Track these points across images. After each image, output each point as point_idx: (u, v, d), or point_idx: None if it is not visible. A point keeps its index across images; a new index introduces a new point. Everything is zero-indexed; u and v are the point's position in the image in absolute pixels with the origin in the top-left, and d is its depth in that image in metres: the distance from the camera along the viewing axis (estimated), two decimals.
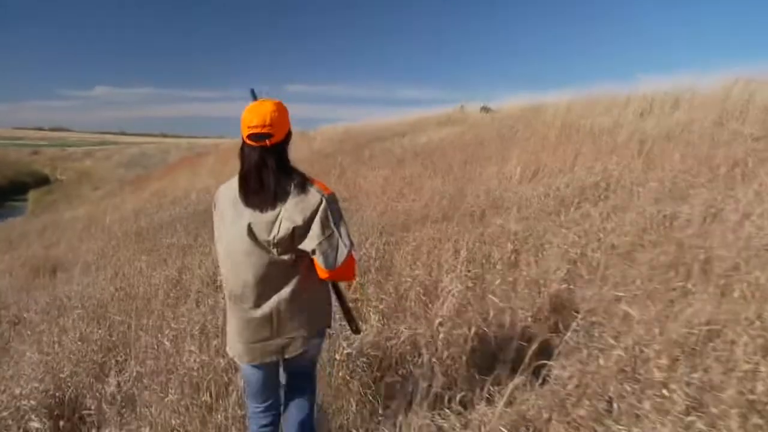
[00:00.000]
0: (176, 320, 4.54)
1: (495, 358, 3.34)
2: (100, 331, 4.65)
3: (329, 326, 2.58)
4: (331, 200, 2.26)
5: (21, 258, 10.80)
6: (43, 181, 52.47)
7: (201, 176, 19.69)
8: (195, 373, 3.47)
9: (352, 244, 2.30)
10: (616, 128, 10.12)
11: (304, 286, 2.33)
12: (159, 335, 4.20)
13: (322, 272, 2.28)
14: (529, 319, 3.73)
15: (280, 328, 2.34)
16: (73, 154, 67.91)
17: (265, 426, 2.58)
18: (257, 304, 2.31)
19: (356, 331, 2.67)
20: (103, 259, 9.00)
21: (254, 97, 2.29)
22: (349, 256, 2.28)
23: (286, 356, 2.40)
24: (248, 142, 2.22)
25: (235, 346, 2.42)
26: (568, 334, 3.31)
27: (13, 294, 8.01)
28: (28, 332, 5.33)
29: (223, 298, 2.86)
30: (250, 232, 2.23)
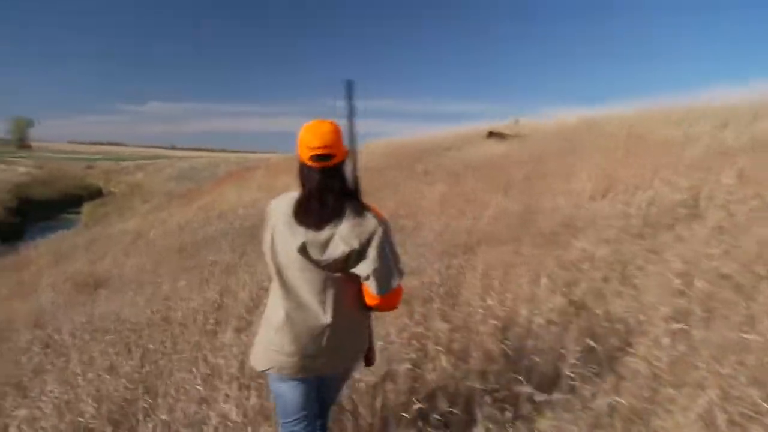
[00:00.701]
0: (213, 352, 4.03)
1: None
2: (130, 363, 4.16)
3: (369, 349, 2.53)
4: (386, 227, 2.24)
5: (66, 273, 10.55)
6: (96, 193, 53.49)
7: (249, 190, 19.39)
8: (230, 424, 2.92)
9: (402, 273, 2.29)
10: (689, 141, 9.32)
11: (352, 307, 2.32)
12: (193, 369, 3.68)
13: (372, 298, 2.26)
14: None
15: (330, 346, 2.31)
16: (126, 167, 69.26)
17: None
18: (307, 319, 2.28)
19: (369, 364, 2.59)
20: (144, 275, 8.64)
21: (350, 90, 2.26)
22: (399, 285, 2.28)
23: (329, 373, 2.43)
24: (309, 163, 2.17)
25: (273, 357, 2.33)
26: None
27: (53, 311, 7.69)
28: (53, 362, 4.89)
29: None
30: (304, 251, 2.20)
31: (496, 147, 15.76)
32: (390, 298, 2.27)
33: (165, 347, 4.34)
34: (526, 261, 4.73)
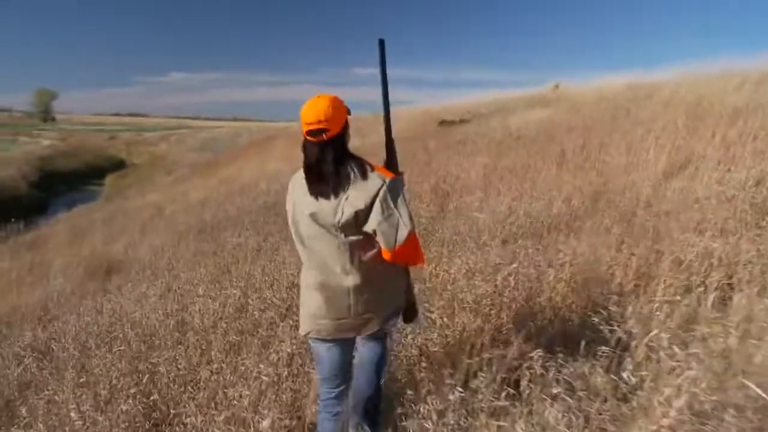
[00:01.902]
0: (236, 377, 3.23)
1: None
2: (135, 389, 3.36)
3: (402, 307, 2.62)
4: (393, 184, 2.29)
5: (79, 255, 9.84)
6: (119, 165, 53.37)
7: (270, 161, 18.62)
8: None
9: (413, 224, 2.31)
10: (759, 107, 8.25)
11: (377, 267, 2.37)
12: (212, 411, 2.87)
13: (385, 253, 2.32)
14: None
15: (358, 306, 2.39)
16: (148, 138, 68.91)
17: (337, 414, 2.59)
18: (334, 283, 2.37)
19: (408, 319, 2.71)
20: (161, 259, 7.87)
21: (382, 51, 2.40)
22: (410, 236, 2.29)
23: (363, 334, 2.48)
24: (307, 137, 2.31)
25: (311, 321, 2.46)
26: None
27: (61, 303, 6.98)
28: (46, 379, 4.11)
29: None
30: (315, 219, 2.32)
31: (538, 113, 14.69)
32: (404, 251, 2.30)
33: (178, 369, 3.54)
34: (616, 255, 3.80)
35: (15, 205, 30.93)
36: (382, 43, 2.40)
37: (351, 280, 2.35)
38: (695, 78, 12.31)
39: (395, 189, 2.31)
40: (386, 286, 2.47)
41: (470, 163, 9.20)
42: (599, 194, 5.72)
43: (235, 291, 4.90)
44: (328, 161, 2.28)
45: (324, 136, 2.25)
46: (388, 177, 2.31)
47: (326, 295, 2.39)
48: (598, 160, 7.18)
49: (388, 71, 2.40)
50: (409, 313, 2.67)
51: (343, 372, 2.58)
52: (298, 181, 2.43)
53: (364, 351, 2.61)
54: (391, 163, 2.49)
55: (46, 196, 36.40)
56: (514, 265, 3.97)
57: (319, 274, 2.40)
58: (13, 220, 18.71)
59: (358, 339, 2.56)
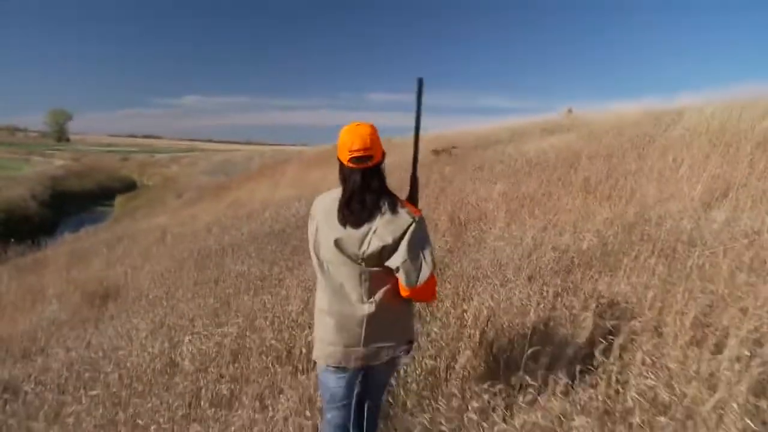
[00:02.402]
0: None
1: None
2: None
3: (413, 341, 2.60)
4: (420, 223, 2.30)
5: (78, 280, 9.43)
6: (130, 186, 53.37)
7: (280, 186, 18.21)
8: None
9: (434, 265, 2.31)
10: None
11: (392, 299, 2.37)
12: None
13: (403, 290, 2.32)
14: None
15: (370, 336, 2.37)
16: (160, 160, 69.09)
17: None
18: (349, 311, 2.35)
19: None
20: (159, 287, 7.43)
21: (420, 88, 2.40)
22: (431, 276, 2.30)
23: (372, 363, 2.44)
24: (350, 165, 2.27)
25: (324, 348, 2.43)
26: None
27: (51, 333, 6.54)
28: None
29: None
30: (339, 246, 2.30)
31: (554, 140, 14.24)
32: (422, 290, 2.31)
33: (160, 424, 3.06)
34: (668, 304, 3.29)
35: (24, 224, 30.80)
36: (420, 81, 2.40)
37: (366, 309, 2.34)
38: (720, 104, 11.83)
39: (423, 228, 2.32)
40: (399, 318, 2.46)
41: (487, 190, 8.75)
42: (633, 226, 5.22)
43: (231, 329, 4.44)
44: (372, 189, 2.28)
45: (369, 163, 2.26)
46: (417, 215, 2.30)
47: (339, 321, 2.38)
48: (626, 189, 6.68)
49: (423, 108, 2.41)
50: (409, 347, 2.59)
51: (350, 400, 2.51)
52: (325, 205, 2.42)
53: (369, 378, 2.54)
54: (413, 198, 2.50)
55: (56, 215, 36.32)
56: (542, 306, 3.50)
57: (334, 300, 2.39)
58: (13, 240, 18.46)
59: (365, 371, 2.50)
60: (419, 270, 2.27)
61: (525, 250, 5.01)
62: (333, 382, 2.47)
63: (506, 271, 4.53)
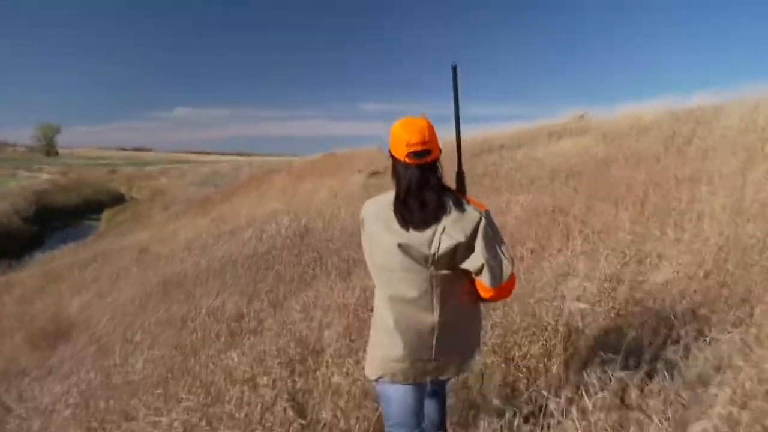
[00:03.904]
0: None
1: None
2: None
3: (479, 347, 2.47)
4: (489, 217, 2.13)
5: (29, 313, 8.13)
6: (119, 199, 52.13)
7: (268, 199, 16.95)
8: None
9: (513, 260, 2.17)
10: None
11: (462, 304, 2.20)
12: None
13: (486, 290, 2.13)
14: None
15: (441, 347, 2.18)
16: (150, 172, 67.66)
17: None
18: (417, 321, 2.16)
19: None
20: (119, 325, 6.17)
21: (455, 76, 2.16)
22: (512, 273, 2.14)
23: (443, 377, 2.32)
24: (407, 160, 2.09)
25: (383, 364, 2.22)
26: None
27: None
28: None
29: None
30: (404, 251, 2.10)
31: (567, 144, 13.05)
32: (504, 288, 2.15)
33: None
34: None
35: (6, 241, 29.56)
36: (455, 69, 2.14)
37: (436, 318, 2.14)
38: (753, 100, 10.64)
39: (493, 223, 2.14)
40: (470, 325, 2.30)
41: (503, 201, 7.54)
42: (747, 252, 3.93)
43: (194, 400, 3.18)
44: (431, 186, 2.07)
45: (428, 158, 2.07)
46: (483, 210, 2.13)
47: (407, 334, 2.15)
48: (691, 200, 5.41)
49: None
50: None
51: (416, 417, 2.31)
52: (376, 212, 2.21)
53: (437, 388, 2.48)
54: (461, 193, 2.20)
55: (41, 231, 35.19)
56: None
57: (399, 311, 2.16)
58: None
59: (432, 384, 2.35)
60: (501, 267, 2.10)
61: (605, 293, 3.67)
62: (398, 398, 2.27)
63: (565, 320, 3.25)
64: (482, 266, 2.06)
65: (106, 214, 43.37)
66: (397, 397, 2.28)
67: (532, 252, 5.12)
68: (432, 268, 2.12)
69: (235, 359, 3.71)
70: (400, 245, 2.10)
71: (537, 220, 6.09)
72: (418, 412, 2.34)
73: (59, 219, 40.60)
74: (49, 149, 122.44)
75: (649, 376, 2.47)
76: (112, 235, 25.45)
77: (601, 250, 4.52)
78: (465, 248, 2.07)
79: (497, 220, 5.94)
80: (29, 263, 19.40)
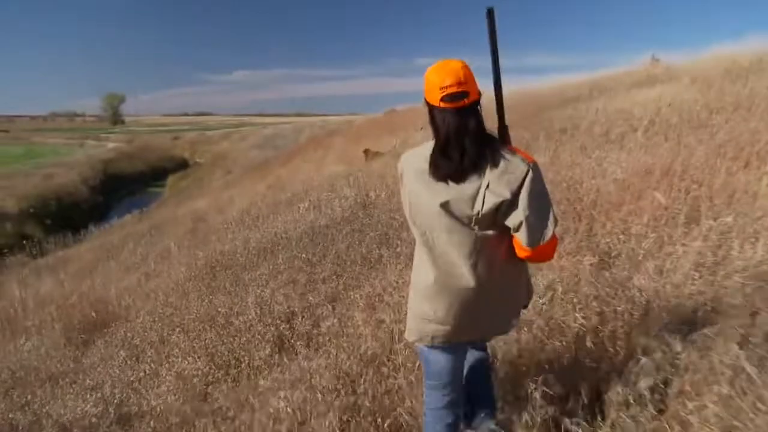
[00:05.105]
0: None
1: None
2: None
3: (526, 306, 2.35)
4: (536, 170, 1.93)
5: (74, 297, 7.57)
6: (183, 165, 52.70)
7: (327, 162, 16.11)
8: None
9: (557, 221, 1.99)
10: None
11: (506, 265, 2.05)
12: None
13: (523, 250, 1.98)
14: None
15: (485, 309, 2.09)
16: (212, 137, 68.03)
17: (450, 425, 2.28)
18: (460, 283, 2.03)
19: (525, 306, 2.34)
20: (155, 324, 5.42)
21: (491, 20, 1.96)
22: (554, 235, 1.97)
23: (489, 336, 2.38)
24: (442, 105, 1.91)
25: (424, 326, 2.14)
26: None
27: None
28: None
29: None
30: (447, 209, 1.96)
31: (651, 93, 11.57)
32: (543, 250, 1.97)
33: None
34: None
35: (75, 211, 30.07)
36: (490, 12, 1.95)
37: (480, 279, 2.00)
38: None
39: (540, 177, 1.94)
40: (513, 286, 2.17)
41: (593, 161, 6.38)
42: None
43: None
44: (471, 131, 1.90)
45: (465, 100, 1.89)
46: (530, 161, 1.93)
47: (449, 296, 2.05)
48: None
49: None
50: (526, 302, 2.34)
51: (458, 377, 2.29)
52: (415, 164, 2.05)
53: (475, 351, 2.45)
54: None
55: (108, 199, 35.81)
56: None
57: (442, 273, 2.04)
58: (24, 243, 17.45)
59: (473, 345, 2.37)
60: (543, 227, 1.92)
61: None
62: (440, 360, 2.21)
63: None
64: (521, 223, 1.91)
65: (170, 180, 43.83)
66: (438, 359, 2.20)
67: (652, 230, 4.03)
68: (476, 228, 1.98)
69: (281, 401, 2.79)
70: (441, 205, 1.96)
71: (646, 185, 4.95)
72: (459, 373, 2.29)
73: (125, 187, 41.33)
74: (116, 118, 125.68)
75: None
76: (173, 203, 25.28)
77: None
78: (509, 205, 1.92)
79: (590, 184, 4.84)
80: (93, 234, 19.35)
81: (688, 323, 2.68)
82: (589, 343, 2.80)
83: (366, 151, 14.22)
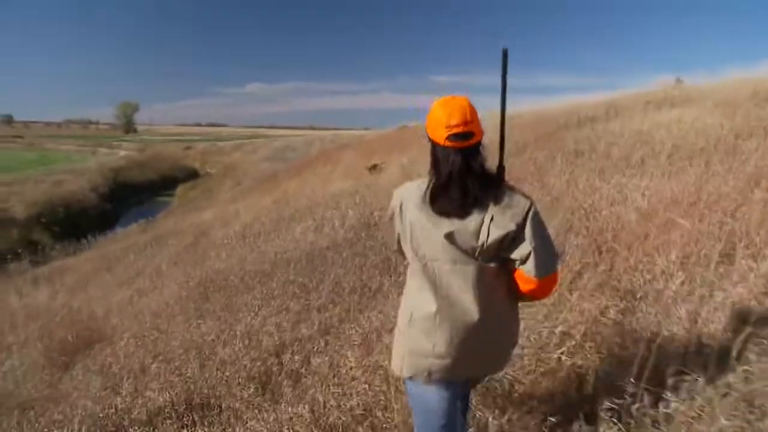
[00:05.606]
0: None
1: None
2: None
3: (515, 345, 2.27)
4: (536, 206, 1.96)
5: (66, 311, 7.22)
6: (192, 175, 52.64)
7: (334, 178, 15.77)
8: None
9: (558, 256, 2.05)
10: None
11: (504, 299, 2.04)
12: None
13: (528, 282, 1.95)
14: None
15: (484, 342, 2.02)
16: (223, 148, 68.06)
17: None
18: (461, 315, 1.98)
19: None
20: (137, 349, 5.06)
21: (505, 61, 1.92)
22: (557, 268, 2.01)
23: (487, 373, 2.33)
24: (447, 144, 1.90)
25: (419, 361, 2.03)
26: None
27: None
28: None
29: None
30: (452, 240, 1.94)
31: (672, 115, 11.17)
32: (548, 283, 1.98)
33: None
34: None
35: (83, 218, 29.91)
36: (505, 52, 1.91)
37: (482, 312, 1.96)
38: None
39: (539, 213, 1.97)
40: (511, 321, 2.14)
41: (612, 187, 5.99)
42: None
43: None
44: (474, 172, 1.90)
45: (470, 140, 1.89)
46: (529, 198, 1.98)
47: (451, 328, 1.97)
48: None
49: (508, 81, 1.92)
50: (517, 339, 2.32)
51: (453, 421, 2.13)
52: (415, 200, 2.00)
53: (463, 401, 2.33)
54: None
55: (117, 207, 35.67)
56: None
57: (444, 304, 1.97)
58: (30, 249, 17.26)
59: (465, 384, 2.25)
60: (550, 259, 1.93)
61: None
62: (434, 398, 2.07)
63: None
64: (529, 254, 1.89)
65: (179, 189, 43.74)
66: (432, 398, 2.08)
67: (680, 266, 3.63)
68: (480, 259, 1.95)
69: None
70: (446, 236, 1.93)
71: (672, 215, 4.54)
72: (453, 416, 2.15)
73: (135, 195, 41.24)
74: (129, 127, 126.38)
75: None
76: (180, 213, 25.05)
77: None
78: (513, 238, 1.91)
79: (609, 212, 4.45)
80: (95, 243, 19.11)
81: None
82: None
83: (371, 168, 13.95)
